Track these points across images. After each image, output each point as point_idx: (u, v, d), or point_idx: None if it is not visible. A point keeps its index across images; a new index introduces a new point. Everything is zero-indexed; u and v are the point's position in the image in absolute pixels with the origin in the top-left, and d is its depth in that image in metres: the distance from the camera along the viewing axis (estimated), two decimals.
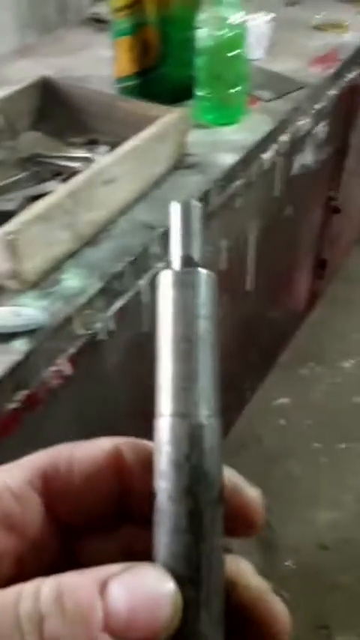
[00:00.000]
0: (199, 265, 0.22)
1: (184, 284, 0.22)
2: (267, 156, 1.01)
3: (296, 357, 1.89)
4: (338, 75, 1.21)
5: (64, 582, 0.18)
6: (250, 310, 1.32)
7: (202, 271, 0.22)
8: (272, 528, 1.51)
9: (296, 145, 1.12)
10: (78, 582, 0.18)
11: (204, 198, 0.86)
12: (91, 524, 0.24)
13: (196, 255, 0.23)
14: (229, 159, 0.91)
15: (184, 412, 0.21)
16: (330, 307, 2.02)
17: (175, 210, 0.23)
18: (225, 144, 0.94)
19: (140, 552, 0.24)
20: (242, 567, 0.23)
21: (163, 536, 0.21)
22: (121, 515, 0.24)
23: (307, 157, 1.22)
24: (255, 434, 1.72)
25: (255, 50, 1.19)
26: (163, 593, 0.18)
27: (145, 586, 0.18)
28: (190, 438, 0.21)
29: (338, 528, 1.53)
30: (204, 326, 0.22)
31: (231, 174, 0.91)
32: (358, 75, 1.32)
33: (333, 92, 1.21)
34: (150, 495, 0.21)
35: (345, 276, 2.11)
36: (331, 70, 1.18)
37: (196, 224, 0.23)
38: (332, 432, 1.73)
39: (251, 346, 1.46)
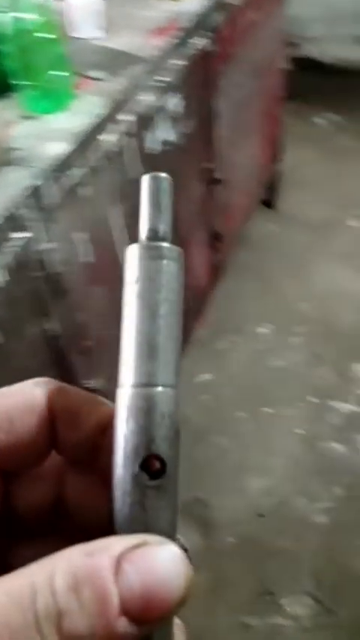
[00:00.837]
0: (165, 239, 0.22)
1: (150, 257, 0.22)
2: (109, 138, 0.94)
3: (212, 331, 1.85)
4: (181, 44, 1.15)
5: (76, 568, 0.17)
6: None
7: (167, 245, 0.22)
8: (207, 504, 1.48)
9: (144, 122, 1.06)
10: (91, 567, 0.17)
11: (35, 193, 0.79)
12: (24, 466, 0.24)
13: (163, 228, 0.22)
14: (59, 148, 0.84)
15: (147, 382, 0.21)
16: (238, 275, 1.99)
17: (144, 183, 0.23)
18: (55, 132, 0.87)
19: (70, 492, 0.24)
20: None
21: (126, 502, 0.20)
22: (50, 457, 0.24)
23: (165, 133, 1.16)
24: (181, 414, 1.67)
25: (90, 29, 1.12)
26: (177, 572, 0.18)
27: (159, 566, 0.18)
28: (155, 408, 0.21)
29: (271, 494, 1.51)
30: (168, 298, 0.22)
31: (65, 163, 0.85)
32: (208, 41, 1.26)
33: (179, 62, 1.15)
34: (112, 463, 0.21)
35: (249, 242, 2.08)
36: (172, 40, 1.12)
37: (164, 198, 0.23)
38: (256, 399, 1.70)
39: None
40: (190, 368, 1.73)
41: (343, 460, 1.55)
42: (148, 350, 0.21)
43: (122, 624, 0.17)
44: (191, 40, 1.20)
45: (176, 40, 1.14)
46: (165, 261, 0.22)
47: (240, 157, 1.67)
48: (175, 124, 1.19)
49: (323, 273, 2.01)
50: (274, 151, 2.02)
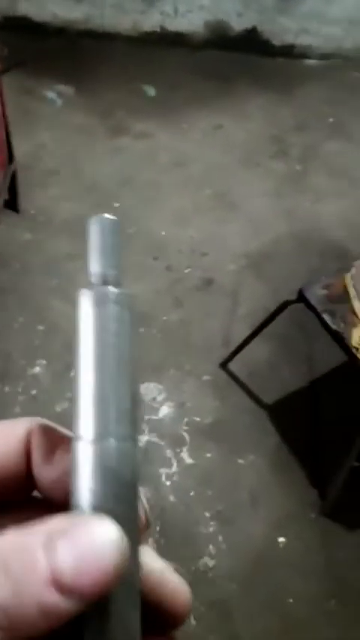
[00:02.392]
0: (114, 283, 0.21)
1: (100, 302, 0.20)
2: None
3: None
4: None
5: (8, 544, 0.17)
6: None
7: (117, 290, 0.21)
8: None
9: None
10: (21, 543, 0.17)
11: None
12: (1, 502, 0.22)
13: (112, 272, 0.21)
14: None
15: (101, 434, 0.19)
16: None
17: (91, 225, 0.21)
18: None
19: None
20: (144, 553, 0.21)
21: None
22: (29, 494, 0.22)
23: None
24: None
25: None
26: (110, 544, 0.17)
27: (92, 539, 0.17)
28: (109, 462, 0.19)
29: None
30: (119, 345, 0.20)
31: None
32: None
33: None
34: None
35: (1, 258, 1.70)
36: None
37: (113, 239, 0.21)
38: None
39: None
40: None
41: (151, 505, 1.38)
42: (98, 401, 0.19)
43: (52, 595, 0.16)
44: None
45: None
46: (114, 307, 0.20)
47: None
48: None
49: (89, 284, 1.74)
50: (5, 155, 1.61)
